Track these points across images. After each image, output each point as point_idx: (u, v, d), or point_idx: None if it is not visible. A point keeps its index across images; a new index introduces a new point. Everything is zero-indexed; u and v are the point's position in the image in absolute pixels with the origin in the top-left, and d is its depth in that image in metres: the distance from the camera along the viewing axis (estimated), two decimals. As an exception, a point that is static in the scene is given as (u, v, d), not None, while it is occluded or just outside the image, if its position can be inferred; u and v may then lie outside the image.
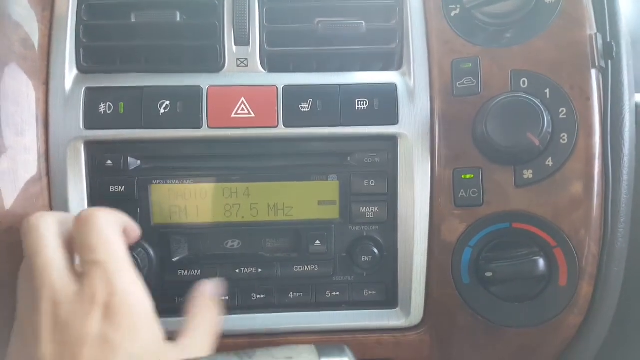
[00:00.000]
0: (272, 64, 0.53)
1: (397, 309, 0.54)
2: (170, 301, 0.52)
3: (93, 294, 0.37)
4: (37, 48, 0.50)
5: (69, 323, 0.37)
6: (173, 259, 0.52)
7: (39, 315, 0.37)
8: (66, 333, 0.36)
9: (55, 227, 0.41)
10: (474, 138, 0.51)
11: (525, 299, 0.51)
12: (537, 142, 0.48)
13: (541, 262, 0.50)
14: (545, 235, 0.51)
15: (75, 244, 0.41)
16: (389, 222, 0.53)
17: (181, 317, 0.52)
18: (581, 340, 0.53)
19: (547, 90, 0.50)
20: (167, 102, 0.50)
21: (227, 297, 0.53)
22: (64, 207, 0.50)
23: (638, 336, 0.60)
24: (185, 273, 0.52)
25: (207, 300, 0.47)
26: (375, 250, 0.52)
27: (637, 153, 0.53)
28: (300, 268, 0.53)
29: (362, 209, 0.52)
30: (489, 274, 0.50)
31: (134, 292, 0.40)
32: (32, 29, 0.50)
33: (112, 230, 0.41)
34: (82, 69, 0.51)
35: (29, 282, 0.39)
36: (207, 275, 0.52)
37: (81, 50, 0.51)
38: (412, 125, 0.51)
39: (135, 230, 0.47)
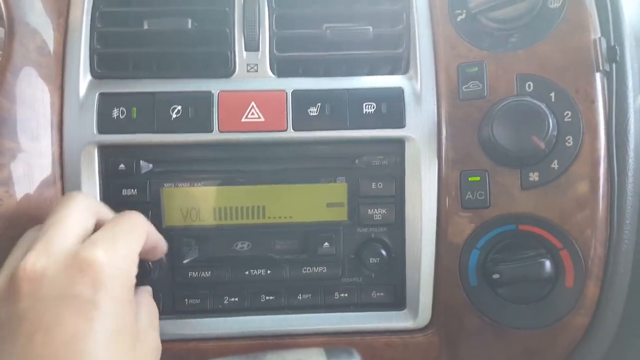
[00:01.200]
0: (282, 69, 0.54)
1: (405, 310, 0.54)
2: (180, 303, 0.53)
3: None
4: (52, 54, 0.51)
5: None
6: (184, 261, 0.53)
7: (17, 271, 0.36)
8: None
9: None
10: (480, 141, 0.51)
11: (532, 301, 0.52)
12: (542, 146, 0.48)
13: (547, 264, 0.50)
14: (551, 237, 0.51)
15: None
16: (397, 224, 0.53)
17: (191, 319, 0.53)
18: (588, 341, 0.53)
19: (552, 94, 0.51)
20: (179, 107, 0.51)
21: (236, 299, 0.54)
22: (78, 210, 0.51)
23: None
24: (195, 275, 0.53)
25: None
26: (383, 252, 0.53)
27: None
28: (309, 269, 0.54)
29: (370, 211, 0.53)
30: (496, 276, 0.50)
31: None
32: (48, 36, 0.51)
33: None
34: (96, 75, 0.53)
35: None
36: (217, 276, 0.53)
37: (95, 56, 0.53)
38: (419, 128, 0.52)
39: (163, 247, 0.49)
